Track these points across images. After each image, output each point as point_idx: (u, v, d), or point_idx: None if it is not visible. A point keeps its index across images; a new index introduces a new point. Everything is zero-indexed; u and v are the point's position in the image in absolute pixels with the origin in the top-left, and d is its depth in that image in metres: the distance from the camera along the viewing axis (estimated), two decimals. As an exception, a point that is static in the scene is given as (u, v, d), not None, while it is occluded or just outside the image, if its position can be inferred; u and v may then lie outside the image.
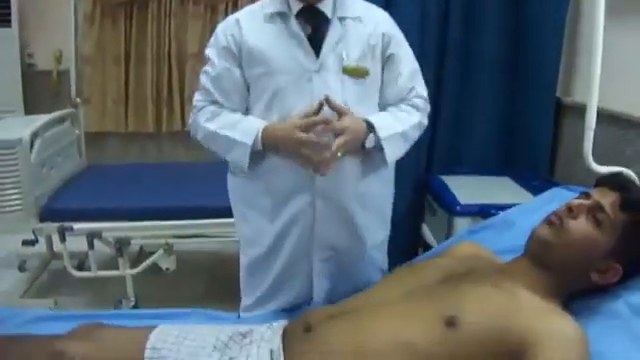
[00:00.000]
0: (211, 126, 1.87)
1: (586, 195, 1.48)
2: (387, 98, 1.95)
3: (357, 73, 1.85)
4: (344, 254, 1.96)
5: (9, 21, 4.36)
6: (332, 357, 1.34)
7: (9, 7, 4.35)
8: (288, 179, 1.86)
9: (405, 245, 2.86)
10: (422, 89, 2.00)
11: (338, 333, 1.40)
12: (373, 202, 1.97)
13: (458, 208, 2.66)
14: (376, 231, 2.03)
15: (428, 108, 2.03)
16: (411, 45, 2.02)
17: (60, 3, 3.98)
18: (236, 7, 4.33)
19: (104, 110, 4.59)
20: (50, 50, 4.52)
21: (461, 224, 2.58)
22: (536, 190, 2.58)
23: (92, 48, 4.48)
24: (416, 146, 2.78)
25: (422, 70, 2.04)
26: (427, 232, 3.05)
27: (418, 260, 2.13)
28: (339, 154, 1.74)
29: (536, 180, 2.93)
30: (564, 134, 3.11)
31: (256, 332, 1.53)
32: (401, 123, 1.90)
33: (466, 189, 2.84)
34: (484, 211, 2.51)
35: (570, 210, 1.44)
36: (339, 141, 1.72)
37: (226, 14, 4.28)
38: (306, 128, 1.73)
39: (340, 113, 1.76)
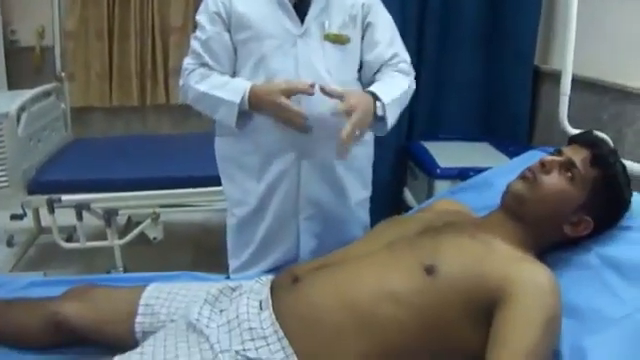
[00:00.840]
0: (201, 87, 1.92)
1: (559, 152, 1.52)
2: (367, 64, 2.02)
3: (338, 40, 1.94)
4: (329, 211, 2.03)
5: (-10, -2, 4.32)
6: (318, 306, 1.38)
7: (-10, -15, 4.30)
8: (274, 137, 1.93)
9: (387, 209, 2.90)
10: (405, 54, 2.06)
11: (323, 283, 1.44)
12: (355, 161, 2.03)
13: (438, 171, 2.73)
14: (359, 189, 2.10)
15: (413, 72, 2.08)
16: (391, 14, 2.07)
17: (41, -20, 3.96)
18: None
19: (88, 85, 4.57)
20: (33, 26, 4.48)
21: (441, 187, 2.65)
22: (514, 155, 2.60)
23: (75, 23, 4.44)
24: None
25: (403, 38, 2.09)
26: (409, 196, 3.12)
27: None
28: (357, 132, 1.73)
29: (514, 145, 2.99)
30: (542, 101, 3.17)
31: (245, 286, 1.57)
32: (395, 89, 1.93)
33: (446, 154, 2.90)
34: (463, 174, 2.57)
35: (543, 165, 1.47)
36: (353, 120, 1.70)
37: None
38: (289, 93, 1.78)
39: (339, 97, 1.75)
